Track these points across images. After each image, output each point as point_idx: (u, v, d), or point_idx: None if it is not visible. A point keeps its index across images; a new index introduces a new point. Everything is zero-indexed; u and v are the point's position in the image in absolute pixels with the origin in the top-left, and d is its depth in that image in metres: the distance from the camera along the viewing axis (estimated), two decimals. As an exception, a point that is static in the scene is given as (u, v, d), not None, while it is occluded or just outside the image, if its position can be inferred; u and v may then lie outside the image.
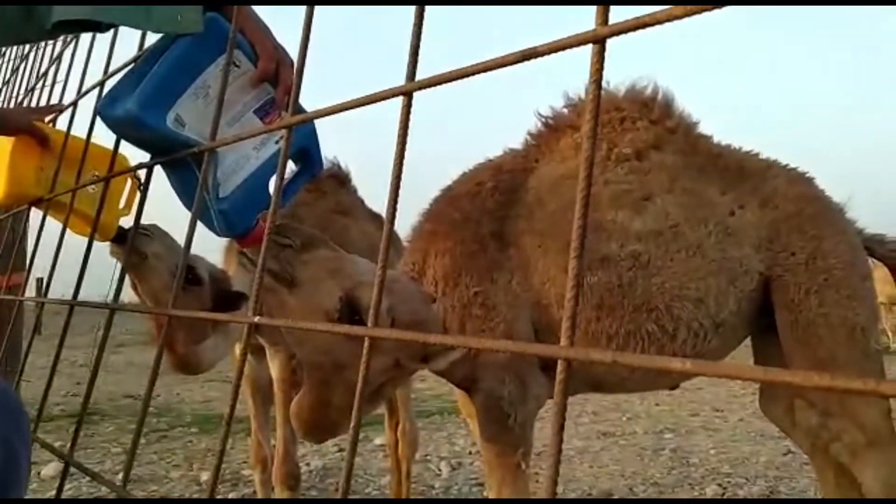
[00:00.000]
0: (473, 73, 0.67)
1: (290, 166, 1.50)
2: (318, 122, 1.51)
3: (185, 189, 1.33)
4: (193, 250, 2.53)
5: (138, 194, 1.79)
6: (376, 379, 1.75)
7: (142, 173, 1.42)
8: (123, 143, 1.37)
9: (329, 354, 1.69)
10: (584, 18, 0.58)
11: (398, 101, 0.74)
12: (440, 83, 0.71)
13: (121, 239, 2.03)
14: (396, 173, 0.74)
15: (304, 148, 1.46)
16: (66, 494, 4.20)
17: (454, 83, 0.70)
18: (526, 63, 0.61)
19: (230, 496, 4.11)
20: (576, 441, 5.44)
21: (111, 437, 5.62)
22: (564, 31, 0.62)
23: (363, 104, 0.81)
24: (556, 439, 0.56)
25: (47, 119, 1.82)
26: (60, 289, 1.76)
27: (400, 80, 0.73)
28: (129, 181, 1.89)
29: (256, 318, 0.92)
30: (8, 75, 2.96)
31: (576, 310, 0.57)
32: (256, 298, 0.95)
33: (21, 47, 2.73)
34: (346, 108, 0.85)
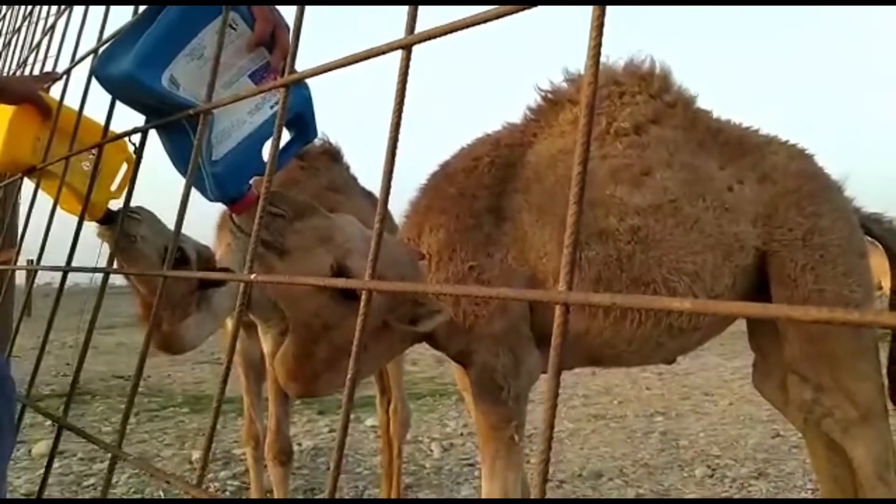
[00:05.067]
0: (472, 25, 0.66)
1: (284, 133, 1.49)
2: (315, 90, 1.51)
3: (179, 152, 1.32)
4: (185, 230, 2.52)
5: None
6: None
7: (136, 139, 1.41)
8: (116, 119, 1.36)
9: (319, 316, 1.71)
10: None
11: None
12: (439, 35, 0.70)
13: (107, 220, 2.02)
14: (394, 130, 0.74)
15: (299, 114, 1.45)
16: (56, 472, 4.20)
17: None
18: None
19: (221, 475, 4.12)
20: (567, 423, 5.48)
21: (102, 417, 5.62)
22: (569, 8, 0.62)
23: (361, 59, 0.80)
24: (552, 383, 0.56)
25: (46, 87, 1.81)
26: (48, 274, 1.75)
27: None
28: (125, 164, 1.87)
29: (254, 276, 0.92)
30: (1, 49, 2.92)
31: (574, 256, 0.57)
32: (252, 257, 0.95)
33: (13, 20, 2.70)
34: (345, 64, 0.84)
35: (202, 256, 2.49)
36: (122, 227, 2.09)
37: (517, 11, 0.62)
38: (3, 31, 2.88)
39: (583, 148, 0.56)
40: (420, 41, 0.72)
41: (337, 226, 1.71)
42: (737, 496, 3.90)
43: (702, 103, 2.24)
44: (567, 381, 6.79)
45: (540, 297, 0.60)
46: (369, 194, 3.45)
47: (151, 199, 2.48)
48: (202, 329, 2.52)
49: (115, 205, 1.97)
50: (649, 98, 2.14)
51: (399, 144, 0.75)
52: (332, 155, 3.35)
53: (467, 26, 0.67)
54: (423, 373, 7.74)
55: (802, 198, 2.06)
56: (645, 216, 1.98)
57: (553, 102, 2.18)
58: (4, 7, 2.77)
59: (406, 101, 0.74)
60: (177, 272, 1.10)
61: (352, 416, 5.49)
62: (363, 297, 0.75)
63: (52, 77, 1.79)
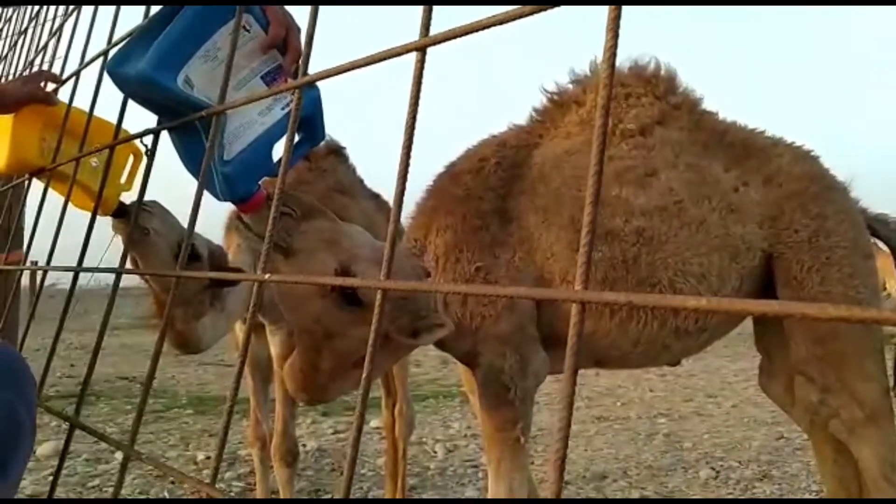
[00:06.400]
0: (488, 27, 0.67)
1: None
2: (324, 91, 1.51)
3: (190, 153, 1.33)
4: (196, 229, 2.53)
5: (141, 169, 1.79)
6: (361, 348, 1.75)
7: (148, 140, 1.42)
8: (126, 117, 1.37)
9: (320, 323, 1.71)
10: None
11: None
12: (454, 38, 0.71)
13: (120, 214, 2.03)
14: (409, 134, 0.74)
15: (309, 116, 1.45)
16: (61, 473, 4.20)
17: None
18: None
19: (226, 475, 4.13)
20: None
21: (107, 418, 5.63)
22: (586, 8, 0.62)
23: (375, 61, 0.80)
24: (568, 383, 0.57)
25: (49, 88, 1.81)
26: (55, 274, 1.76)
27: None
28: (132, 157, 1.89)
29: (267, 276, 0.93)
30: (6, 51, 2.93)
31: (590, 255, 0.58)
32: (266, 258, 0.95)
33: (19, 21, 2.71)
34: (358, 66, 0.84)
35: (214, 255, 2.50)
36: (136, 220, 2.10)
37: (534, 13, 0.63)
38: (10, 33, 2.89)
39: (598, 148, 0.57)
40: (435, 43, 0.72)
41: (344, 231, 1.72)
42: (741, 498, 3.90)
43: (707, 105, 2.24)
44: (570, 382, 6.76)
45: (556, 296, 0.61)
46: (376, 196, 3.46)
47: (158, 194, 2.49)
48: (217, 329, 2.54)
49: (126, 197, 1.99)
50: (655, 100, 2.14)
51: (413, 146, 0.76)
52: (339, 156, 3.36)
53: (484, 28, 0.67)
54: (426, 374, 7.75)
55: (808, 200, 2.07)
56: (650, 217, 1.99)
57: (559, 104, 2.18)
58: (10, 8, 2.78)
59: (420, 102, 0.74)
60: (189, 272, 1.11)
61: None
62: (378, 296, 0.76)
63: (48, 76, 1.80)
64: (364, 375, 0.77)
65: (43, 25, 2.31)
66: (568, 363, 0.58)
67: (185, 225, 1.14)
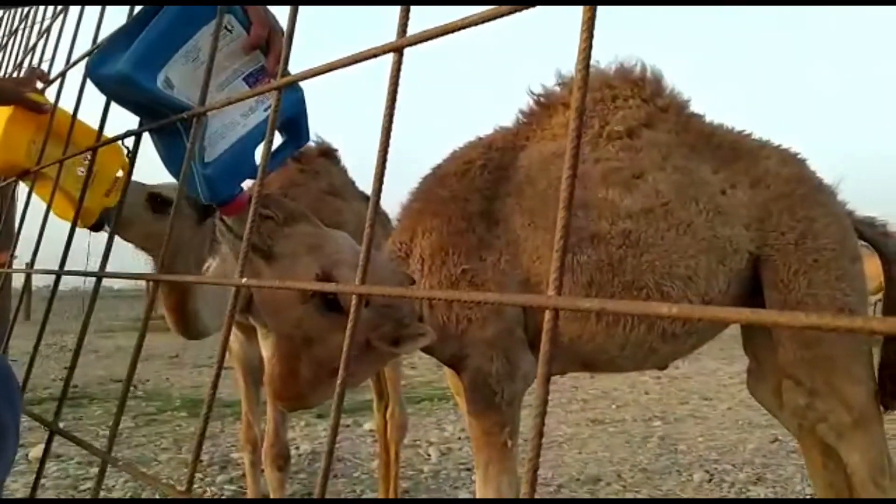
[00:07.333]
0: (467, 26, 0.66)
1: (276, 136, 1.48)
2: (308, 92, 1.50)
3: (171, 154, 1.32)
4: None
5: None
6: (341, 355, 1.74)
7: (129, 142, 1.40)
8: (111, 123, 1.36)
9: (300, 328, 1.69)
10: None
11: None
12: (430, 38, 0.69)
13: (98, 227, 2.04)
14: (385, 136, 0.73)
15: (292, 118, 1.44)
16: (53, 476, 4.19)
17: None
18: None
19: (218, 479, 4.12)
20: (565, 428, 5.47)
21: (100, 420, 5.61)
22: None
23: (353, 62, 0.80)
24: (541, 390, 0.56)
25: (39, 87, 1.81)
26: (49, 277, 1.74)
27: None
28: (121, 171, 1.88)
29: (244, 280, 0.91)
30: (-4, 51, 2.91)
31: (563, 260, 0.56)
32: (244, 262, 0.94)
33: (9, 23, 2.69)
34: (336, 67, 0.83)
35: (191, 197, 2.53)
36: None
37: (510, 13, 0.61)
38: (1, 34, 2.87)
39: (572, 153, 0.56)
40: (411, 44, 0.71)
41: (327, 236, 1.70)
42: (736, 498, 3.89)
43: (694, 108, 2.24)
44: (566, 385, 6.79)
45: (528, 302, 0.59)
46: (368, 198, 3.44)
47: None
48: (215, 319, 2.54)
49: None
50: (642, 102, 2.14)
51: (392, 147, 0.74)
52: (330, 157, 3.35)
53: (459, 28, 0.66)
54: (421, 377, 7.74)
55: (795, 202, 2.06)
56: (637, 220, 1.98)
57: (545, 106, 2.17)
58: (1, 10, 2.77)
59: (400, 103, 0.73)
60: (169, 277, 1.10)
61: (349, 421, 5.48)
62: (353, 301, 0.75)
63: (38, 75, 1.79)
64: (339, 382, 0.76)
65: (33, 26, 2.30)
66: (540, 371, 0.57)
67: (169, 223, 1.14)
